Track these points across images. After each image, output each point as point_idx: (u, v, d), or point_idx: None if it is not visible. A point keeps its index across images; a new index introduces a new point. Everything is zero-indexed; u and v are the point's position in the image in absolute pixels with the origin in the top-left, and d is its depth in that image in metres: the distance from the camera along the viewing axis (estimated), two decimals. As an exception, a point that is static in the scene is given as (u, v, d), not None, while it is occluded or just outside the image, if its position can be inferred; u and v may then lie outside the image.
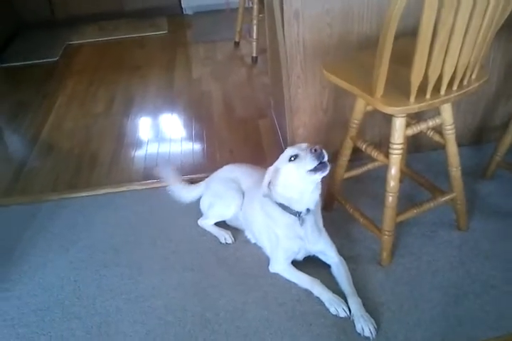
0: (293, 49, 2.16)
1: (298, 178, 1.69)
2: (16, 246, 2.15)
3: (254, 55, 3.73)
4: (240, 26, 3.93)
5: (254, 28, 3.63)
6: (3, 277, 2.00)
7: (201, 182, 2.25)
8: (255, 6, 3.57)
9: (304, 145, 1.73)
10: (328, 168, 1.66)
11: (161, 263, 2.00)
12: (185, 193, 2.24)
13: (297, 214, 1.77)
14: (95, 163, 2.72)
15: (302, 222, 1.78)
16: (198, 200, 2.21)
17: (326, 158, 1.64)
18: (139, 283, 1.92)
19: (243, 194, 2.06)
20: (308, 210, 1.77)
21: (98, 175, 2.61)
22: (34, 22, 4.63)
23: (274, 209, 1.80)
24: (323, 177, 1.78)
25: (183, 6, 4.79)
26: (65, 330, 1.76)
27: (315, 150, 1.63)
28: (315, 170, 1.65)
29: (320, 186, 1.77)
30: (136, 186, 2.48)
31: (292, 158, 1.70)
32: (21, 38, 4.53)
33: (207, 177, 2.27)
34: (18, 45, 4.41)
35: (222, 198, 2.07)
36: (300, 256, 1.89)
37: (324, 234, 1.88)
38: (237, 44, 4.04)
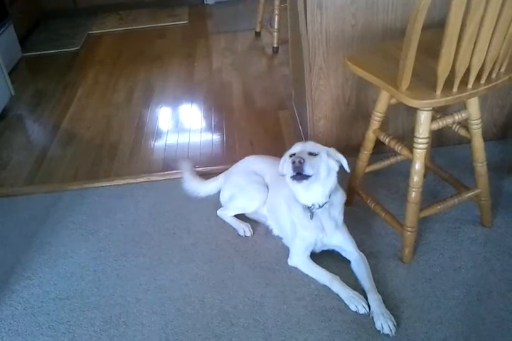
0: (315, 39, 2.13)
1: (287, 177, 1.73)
2: (37, 235, 2.18)
3: (275, 45, 3.69)
4: (261, 16, 3.89)
5: (276, 18, 3.59)
6: (24, 265, 2.02)
7: (219, 176, 2.24)
8: (277, -4, 3.53)
9: (307, 147, 1.73)
10: (304, 181, 1.66)
11: (180, 255, 2.00)
12: (203, 188, 2.24)
13: (306, 207, 1.77)
14: (115, 153, 2.73)
15: (312, 215, 1.78)
16: (218, 192, 2.21)
17: (305, 171, 1.64)
18: (158, 274, 1.92)
19: (267, 187, 2.05)
20: (319, 206, 1.76)
21: (118, 165, 2.62)
22: (56, 11, 4.66)
23: (291, 195, 1.81)
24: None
25: (203, -5, 4.77)
26: (84, 320, 1.77)
27: (293, 162, 1.64)
28: (292, 177, 1.66)
29: (331, 184, 1.75)
30: (155, 177, 2.48)
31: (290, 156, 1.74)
32: (43, 28, 4.56)
33: (226, 169, 2.26)
34: (40, 34, 4.45)
35: (245, 191, 2.06)
36: (317, 248, 1.88)
37: (343, 229, 1.85)
38: (258, 34, 4.00)
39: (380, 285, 1.74)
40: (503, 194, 2.12)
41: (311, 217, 1.78)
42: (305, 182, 1.67)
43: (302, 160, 1.63)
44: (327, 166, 1.73)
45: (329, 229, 1.81)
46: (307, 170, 1.64)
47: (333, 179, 1.76)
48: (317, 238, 1.83)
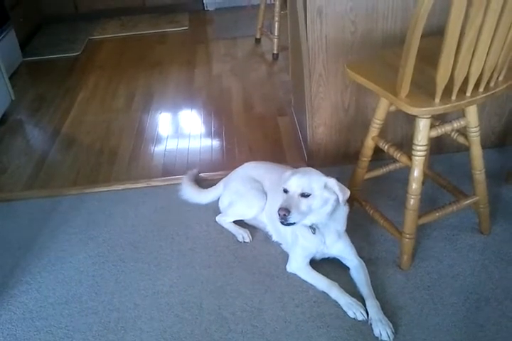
0: (315, 46, 2.14)
1: None
2: (36, 239, 2.18)
3: (275, 52, 3.71)
4: (261, 23, 3.91)
5: (276, 24, 3.61)
6: (23, 270, 2.02)
7: (219, 183, 2.25)
8: (277, 3, 3.55)
9: (302, 184, 1.67)
10: (291, 225, 1.67)
11: (179, 260, 2.00)
12: (204, 197, 2.24)
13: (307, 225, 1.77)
14: (115, 158, 2.73)
15: (313, 230, 1.78)
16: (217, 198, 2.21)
17: (290, 221, 1.64)
18: (156, 280, 1.92)
19: (266, 194, 2.05)
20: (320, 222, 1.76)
21: (118, 170, 2.62)
22: (57, 16, 4.68)
23: None
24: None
25: (204, 1, 4.79)
26: (83, 325, 1.77)
27: (279, 214, 1.65)
28: (280, 222, 1.67)
29: (329, 209, 1.72)
30: (155, 182, 2.48)
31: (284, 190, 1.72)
32: (44, 32, 4.58)
33: (225, 174, 2.27)
34: (41, 39, 4.46)
35: (244, 198, 2.06)
36: (318, 257, 1.88)
37: (344, 238, 1.85)
38: (258, 41, 4.02)
39: (378, 291, 1.75)
40: (501, 201, 2.12)
41: (313, 232, 1.78)
42: (292, 226, 1.68)
43: (287, 213, 1.63)
44: (322, 200, 1.69)
45: (331, 241, 1.81)
46: (292, 220, 1.64)
47: (330, 206, 1.72)
48: (318, 248, 1.83)
